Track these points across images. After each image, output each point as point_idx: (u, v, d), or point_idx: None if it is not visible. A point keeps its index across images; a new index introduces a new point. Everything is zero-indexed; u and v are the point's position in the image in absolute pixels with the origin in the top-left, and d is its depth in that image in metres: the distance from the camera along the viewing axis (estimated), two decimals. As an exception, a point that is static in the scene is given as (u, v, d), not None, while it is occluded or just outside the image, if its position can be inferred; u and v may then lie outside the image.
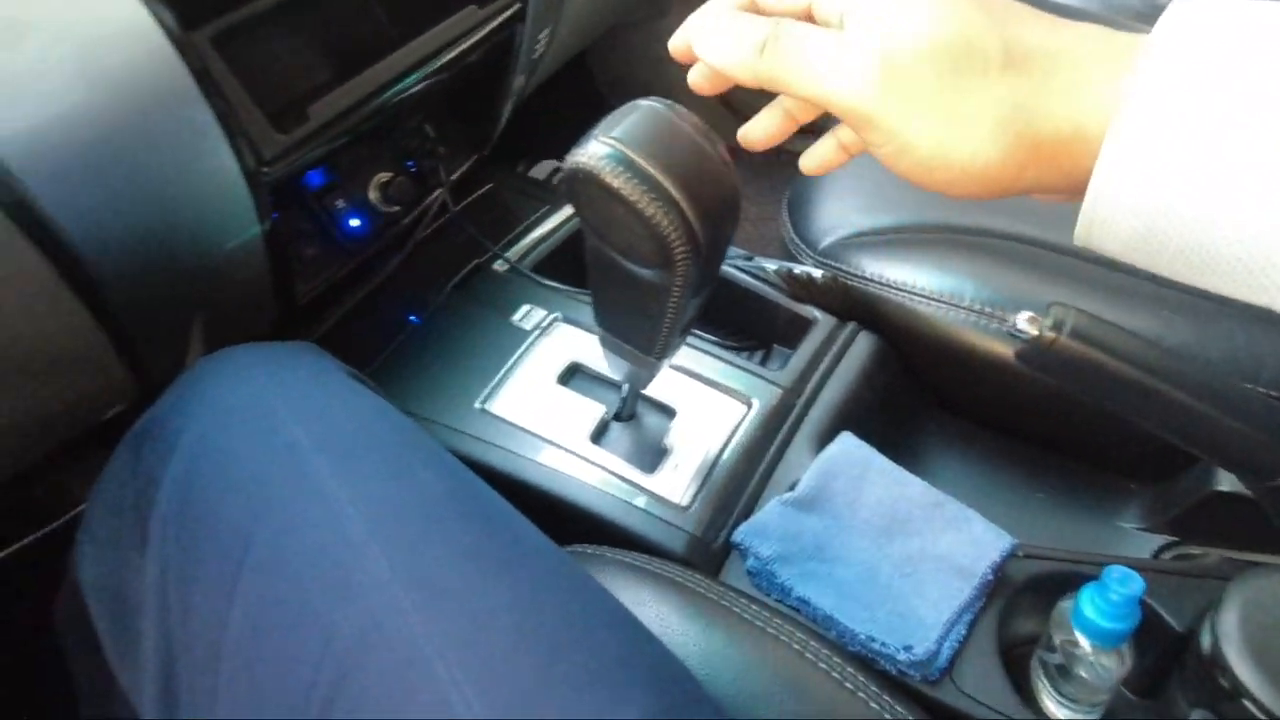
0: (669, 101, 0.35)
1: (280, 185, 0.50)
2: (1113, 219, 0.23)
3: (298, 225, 0.61)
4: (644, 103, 0.35)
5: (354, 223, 0.63)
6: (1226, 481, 0.51)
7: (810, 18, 0.28)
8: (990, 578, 0.46)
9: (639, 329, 0.42)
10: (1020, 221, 0.62)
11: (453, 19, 0.55)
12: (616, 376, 0.51)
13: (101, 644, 0.39)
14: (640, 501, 0.50)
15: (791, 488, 0.51)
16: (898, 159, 0.26)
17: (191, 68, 0.40)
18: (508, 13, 0.58)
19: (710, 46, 0.29)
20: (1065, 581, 0.46)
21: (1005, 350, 0.56)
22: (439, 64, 0.55)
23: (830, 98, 0.25)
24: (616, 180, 0.32)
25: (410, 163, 0.66)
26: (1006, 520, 0.50)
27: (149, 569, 0.34)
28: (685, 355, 0.59)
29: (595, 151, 0.33)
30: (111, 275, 0.43)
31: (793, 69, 0.26)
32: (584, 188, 0.34)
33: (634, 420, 0.55)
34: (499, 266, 0.66)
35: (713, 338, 0.62)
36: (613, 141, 0.33)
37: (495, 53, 0.62)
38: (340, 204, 0.62)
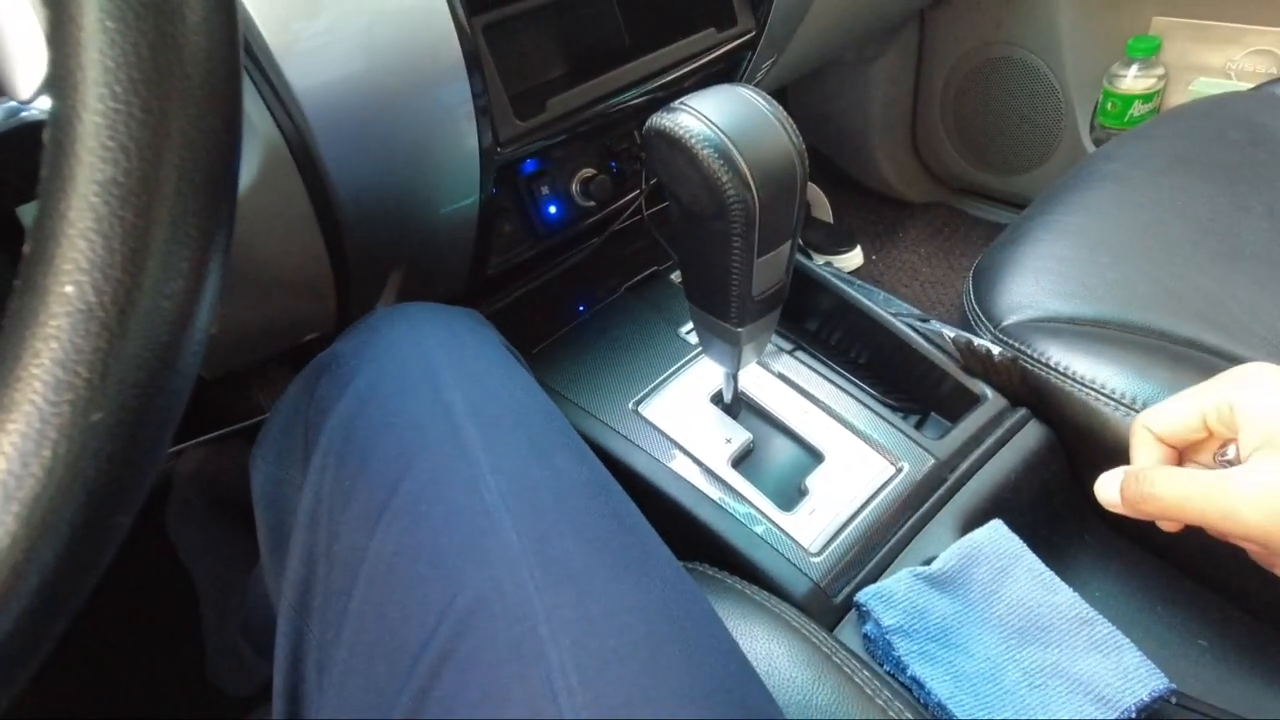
0: (754, 88, 0.40)
1: (503, 166, 0.54)
2: None
3: (503, 203, 0.65)
4: (726, 84, 0.41)
5: (552, 210, 0.67)
6: None
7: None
8: (1133, 717, 0.42)
9: (717, 293, 0.44)
10: (1245, 345, 0.56)
11: (690, 39, 0.58)
12: (713, 359, 0.52)
13: (260, 548, 0.43)
14: (769, 537, 0.50)
15: (927, 562, 0.50)
16: None
17: (465, 50, 0.44)
18: (743, 38, 0.60)
19: (1104, 493, 0.41)
20: (1220, 745, 0.41)
21: (1197, 477, 0.51)
22: (669, 79, 0.57)
23: (1218, 527, 0.34)
24: (677, 130, 0.37)
25: (614, 164, 0.69)
26: (1156, 661, 0.46)
27: (307, 487, 0.37)
28: (841, 403, 0.58)
29: (665, 111, 0.39)
30: (351, 219, 0.48)
31: (1175, 507, 0.36)
32: (654, 142, 0.39)
33: (777, 454, 0.55)
34: (675, 277, 0.68)
35: (871, 391, 0.61)
36: (679, 103, 0.39)
37: (719, 75, 0.64)
38: (544, 191, 0.66)
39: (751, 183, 0.38)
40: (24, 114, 0.31)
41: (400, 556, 0.33)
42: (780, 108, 0.40)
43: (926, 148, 1.39)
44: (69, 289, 0.15)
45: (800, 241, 1.21)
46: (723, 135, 0.38)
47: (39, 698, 0.81)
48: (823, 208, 1.37)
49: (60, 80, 0.15)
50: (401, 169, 0.48)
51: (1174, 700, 0.43)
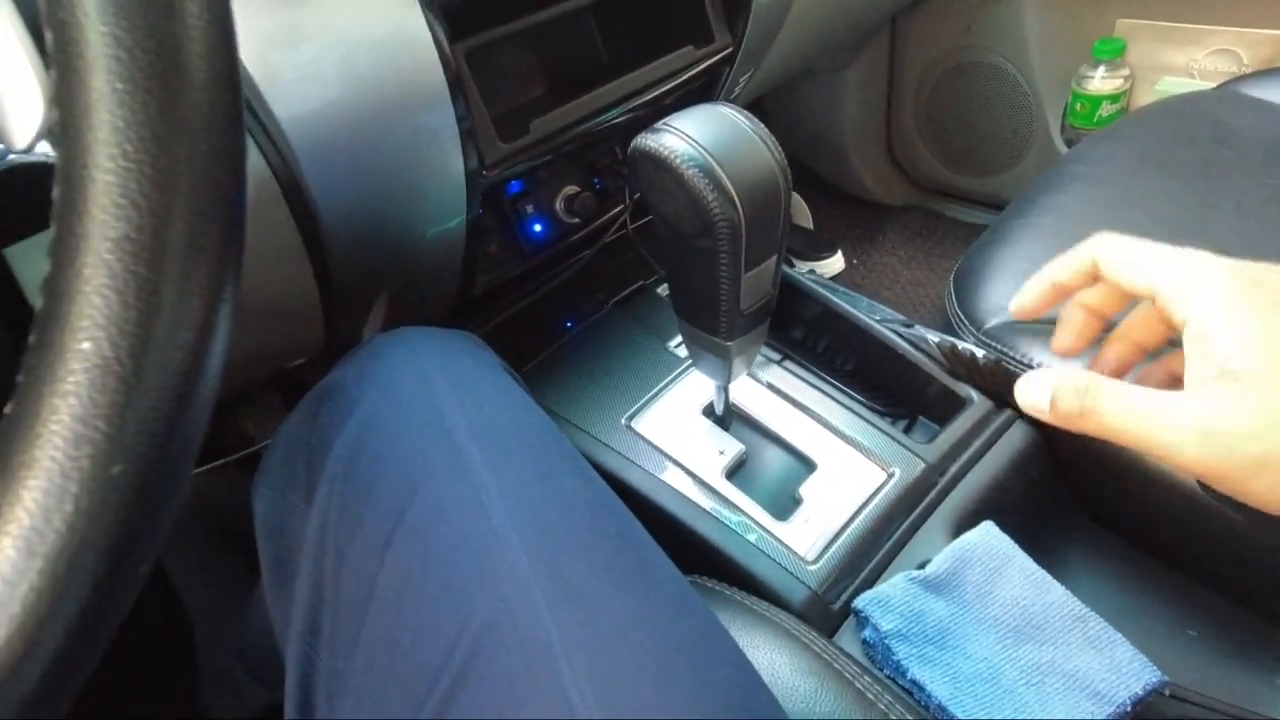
0: (735, 106, 0.41)
1: (489, 187, 0.54)
2: None
3: (488, 223, 0.66)
4: (708, 104, 0.41)
5: (537, 228, 0.67)
6: None
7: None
8: (1128, 710, 0.43)
9: (706, 309, 0.45)
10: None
11: (669, 57, 0.59)
12: (703, 373, 0.53)
13: (263, 575, 0.43)
14: (766, 546, 0.50)
15: (921, 566, 0.50)
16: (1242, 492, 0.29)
17: (448, 76, 0.45)
18: (720, 55, 0.61)
19: (1028, 397, 0.34)
20: (1213, 733, 0.42)
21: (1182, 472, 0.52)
22: (649, 97, 0.58)
23: (1158, 455, 0.30)
24: (662, 151, 0.38)
25: (597, 180, 0.70)
26: (1147, 653, 0.47)
27: (313, 516, 0.37)
28: (831, 411, 0.59)
29: (649, 133, 0.39)
30: (337, 243, 0.48)
31: (1114, 430, 0.31)
32: (640, 163, 0.40)
33: (770, 463, 0.56)
34: (662, 291, 0.69)
35: (859, 397, 0.62)
36: (663, 124, 0.40)
37: (698, 91, 0.65)
38: (529, 209, 0.66)
39: (737, 200, 0.39)
40: (10, 159, 0.31)
41: (410, 582, 0.33)
42: (762, 125, 0.41)
43: (902, 152, 1.41)
44: (86, 345, 0.15)
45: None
46: (707, 154, 0.38)
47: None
48: (802, 214, 1.38)
49: (69, 139, 0.16)
50: (388, 195, 0.48)
51: (1167, 692, 0.44)
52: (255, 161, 0.42)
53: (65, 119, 0.16)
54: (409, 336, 0.44)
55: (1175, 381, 0.34)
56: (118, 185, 0.15)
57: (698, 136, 0.39)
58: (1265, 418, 0.27)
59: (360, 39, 0.44)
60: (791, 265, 1.27)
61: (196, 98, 0.16)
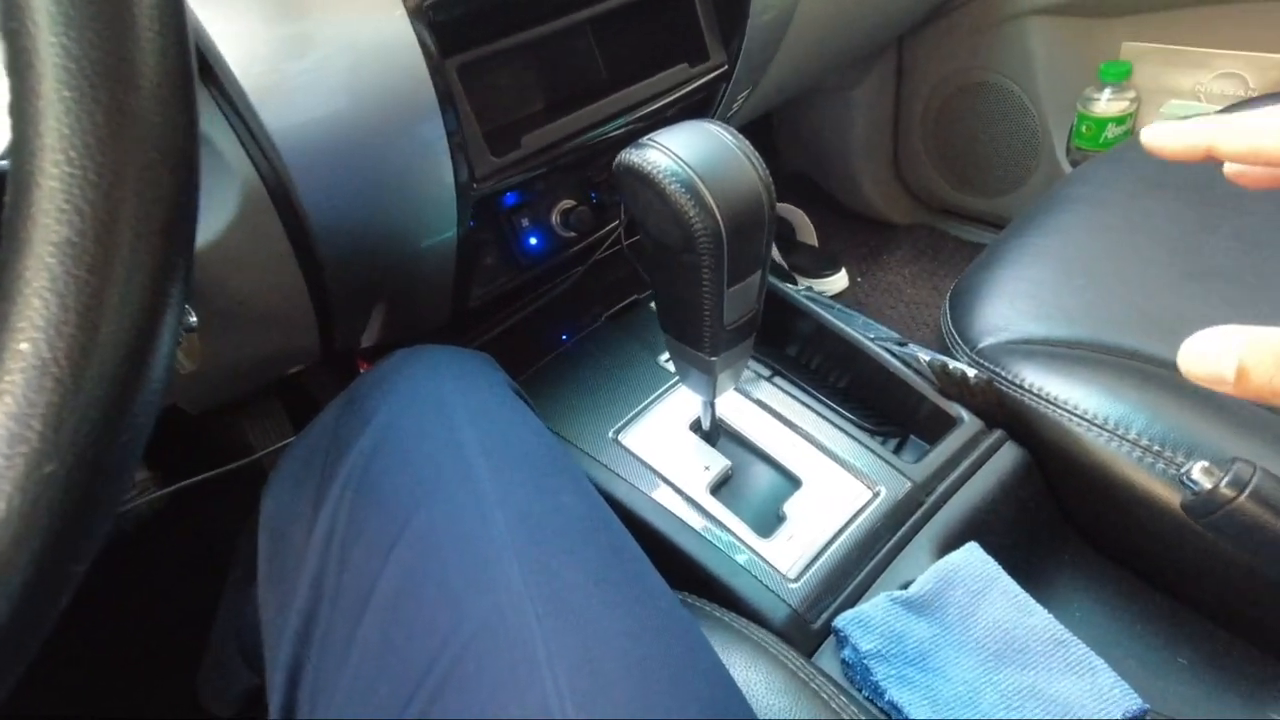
0: (721, 123, 0.42)
1: (482, 200, 0.55)
2: None
3: (483, 235, 0.66)
4: (694, 120, 0.42)
5: (532, 241, 0.68)
6: None
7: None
8: (1108, 737, 0.42)
9: (690, 323, 0.45)
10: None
11: (664, 73, 0.59)
12: (690, 388, 0.53)
13: (259, 574, 0.44)
14: (747, 563, 0.50)
15: (904, 586, 0.50)
16: None
17: (438, 90, 0.45)
18: (715, 73, 0.62)
19: (1198, 361, 0.23)
20: (1196, 765, 0.41)
21: (1170, 496, 0.51)
22: (644, 113, 0.59)
23: None
24: (646, 166, 0.39)
25: (594, 194, 0.70)
26: (1136, 679, 0.46)
27: (321, 519, 0.38)
28: (819, 429, 0.59)
29: (633, 148, 0.40)
30: (330, 255, 0.49)
31: None
32: (624, 177, 0.41)
33: (756, 480, 0.56)
34: (655, 306, 0.69)
35: (850, 415, 0.62)
36: (648, 139, 0.40)
37: (695, 108, 0.65)
38: (525, 223, 0.67)
39: (718, 216, 0.39)
40: None
41: (410, 583, 0.34)
42: (748, 142, 0.41)
43: (909, 171, 1.41)
44: (24, 346, 0.15)
45: (785, 265, 1.22)
46: (690, 170, 0.39)
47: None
48: (807, 231, 1.38)
49: (20, 147, 0.16)
50: (379, 206, 0.49)
51: (1149, 719, 0.43)
52: (246, 171, 0.43)
53: (16, 126, 0.16)
54: (429, 353, 0.45)
55: None
56: (61, 191, 0.16)
57: (681, 152, 0.39)
58: None
59: (351, 52, 0.44)
60: (794, 282, 1.27)
61: (144, 106, 0.16)
